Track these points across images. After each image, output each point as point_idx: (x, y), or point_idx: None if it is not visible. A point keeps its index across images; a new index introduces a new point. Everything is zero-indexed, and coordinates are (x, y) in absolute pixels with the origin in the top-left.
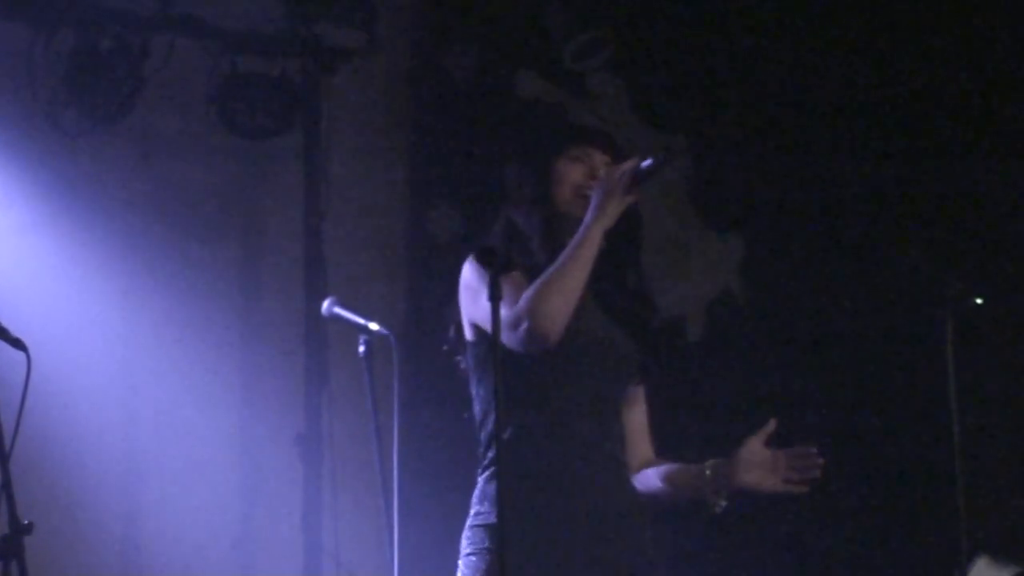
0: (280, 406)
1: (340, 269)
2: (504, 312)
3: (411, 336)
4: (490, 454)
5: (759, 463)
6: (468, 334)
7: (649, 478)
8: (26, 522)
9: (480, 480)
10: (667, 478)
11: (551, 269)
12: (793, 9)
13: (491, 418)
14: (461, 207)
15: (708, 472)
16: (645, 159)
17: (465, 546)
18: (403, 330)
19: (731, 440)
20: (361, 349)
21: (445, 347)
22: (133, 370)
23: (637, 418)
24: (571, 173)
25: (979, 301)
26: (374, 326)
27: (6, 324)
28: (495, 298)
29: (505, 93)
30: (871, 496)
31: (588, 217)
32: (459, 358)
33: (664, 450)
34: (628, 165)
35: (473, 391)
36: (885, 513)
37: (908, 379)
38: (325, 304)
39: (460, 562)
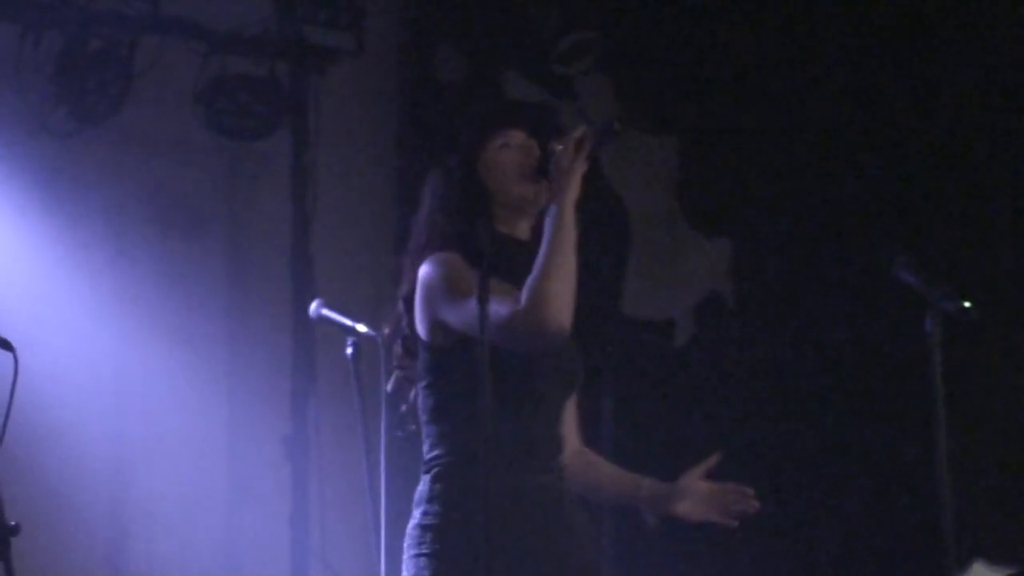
0: (267, 407)
1: (328, 271)
2: (503, 312)
3: None
4: (436, 452)
5: (694, 495)
6: (427, 336)
7: (582, 475)
8: (13, 523)
9: (424, 479)
10: (602, 483)
11: (541, 262)
12: (783, 9)
13: (443, 421)
14: None
15: (643, 492)
16: (594, 126)
17: (411, 546)
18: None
19: (716, 443)
20: (348, 351)
21: (400, 372)
22: (121, 371)
23: (568, 411)
24: (504, 160)
25: (967, 305)
26: (362, 328)
27: None
28: (483, 300)
29: (493, 95)
30: (858, 501)
31: (555, 199)
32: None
33: (653, 455)
34: (577, 134)
35: (421, 395)
36: (872, 519)
37: (895, 382)
38: (313, 306)
39: (408, 562)
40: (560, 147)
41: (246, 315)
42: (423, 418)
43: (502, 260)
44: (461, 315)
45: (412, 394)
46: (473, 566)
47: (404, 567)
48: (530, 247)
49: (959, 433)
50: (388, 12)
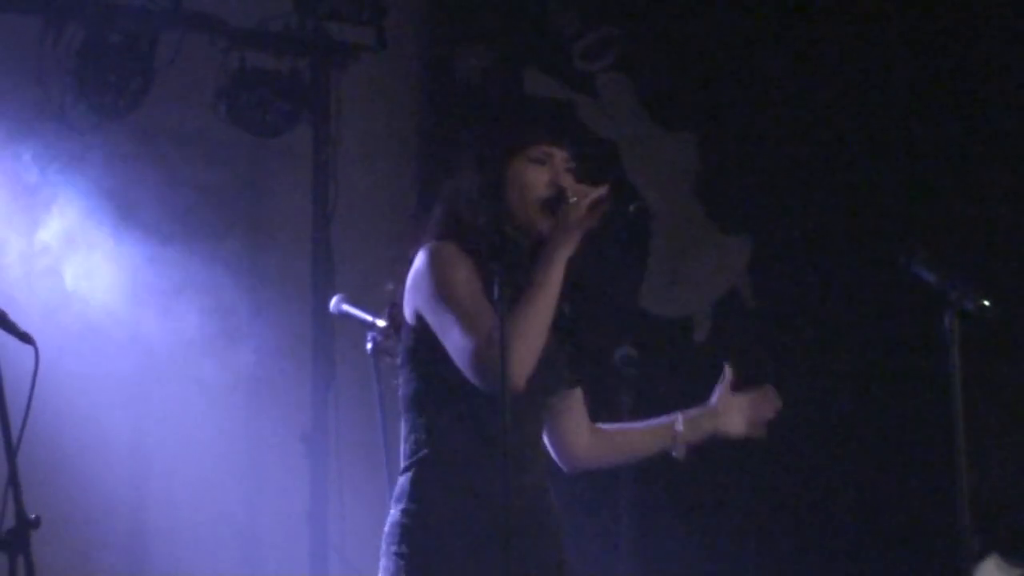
0: (287, 403)
1: (348, 266)
2: (467, 347)
3: None
4: (415, 446)
5: (730, 409)
6: (410, 318)
7: (612, 446)
8: (33, 516)
9: (400, 478)
10: (636, 441)
11: (517, 317)
12: (802, 8)
13: (423, 413)
14: None
15: (679, 427)
16: (613, 199)
17: (390, 543)
18: None
19: (735, 442)
20: (368, 346)
21: (377, 338)
22: (140, 366)
23: (576, 414)
24: (532, 179)
25: (986, 303)
26: (382, 323)
27: (14, 318)
28: (502, 297)
29: (513, 91)
30: (875, 498)
31: (550, 248)
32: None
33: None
34: (594, 196)
35: (401, 380)
36: (890, 515)
37: (914, 380)
38: (333, 301)
39: (386, 559)
40: (574, 200)
41: (266, 310)
42: (402, 405)
43: (503, 260)
44: (437, 324)
45: (393, 345)
46: (449, 565)
47: (381, 564)
48: (527, 251)
49: (975, 430)
50: (409, 8)
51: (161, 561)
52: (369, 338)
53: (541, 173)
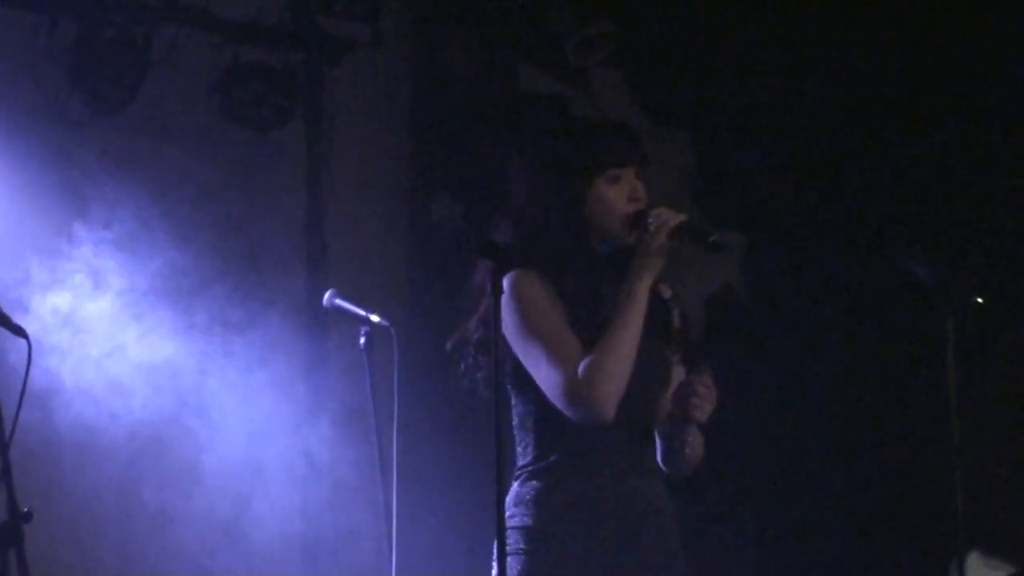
0: (280, 398)
1: (341, 260)
2: (556, 379)
3: (412, 328)
4: (526, 458)
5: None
6: (506, 345)
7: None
8: (25, 509)
9: (515, 484)
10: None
11: (605, 350)
12: (796, 4)
13: (532, 428)
14: (462, 199)
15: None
16: (693, 226)
17: (508, 542)
18: (404, 322)
19: (728, 434)
20: (362, 341)
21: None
22: (133, 359)
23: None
24: (613, 198)
25: (980, 300)
26: (375, 318)
27: (8, 311)
28: (496, 292)
29: (507, 87)
30: (868, 494)
31: (634, 280)
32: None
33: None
34: (674, 223)
35: (513, 399)
36: (882, 511)
37: (908, 377)
38: (326, 296)
39: (494, 563)
40: (653, 226)
41: (259, 305)
42: (514, 422)
43: (585, 282)
44: (524, 357)
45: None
46: (559, 567)
47: (493, 567)
48: (610, 262)
49: (969, 426)
50: (403, 3)
51: (153, 556)
52: (362, 332)
53: (620, 190)
